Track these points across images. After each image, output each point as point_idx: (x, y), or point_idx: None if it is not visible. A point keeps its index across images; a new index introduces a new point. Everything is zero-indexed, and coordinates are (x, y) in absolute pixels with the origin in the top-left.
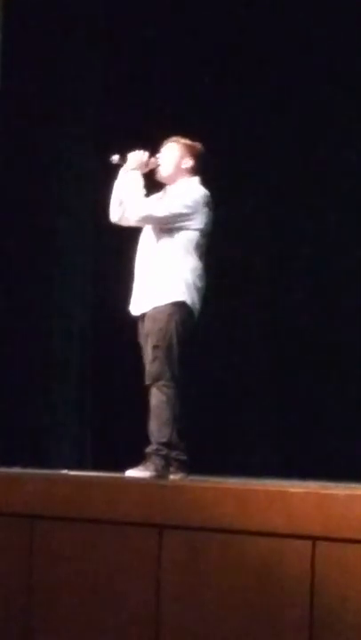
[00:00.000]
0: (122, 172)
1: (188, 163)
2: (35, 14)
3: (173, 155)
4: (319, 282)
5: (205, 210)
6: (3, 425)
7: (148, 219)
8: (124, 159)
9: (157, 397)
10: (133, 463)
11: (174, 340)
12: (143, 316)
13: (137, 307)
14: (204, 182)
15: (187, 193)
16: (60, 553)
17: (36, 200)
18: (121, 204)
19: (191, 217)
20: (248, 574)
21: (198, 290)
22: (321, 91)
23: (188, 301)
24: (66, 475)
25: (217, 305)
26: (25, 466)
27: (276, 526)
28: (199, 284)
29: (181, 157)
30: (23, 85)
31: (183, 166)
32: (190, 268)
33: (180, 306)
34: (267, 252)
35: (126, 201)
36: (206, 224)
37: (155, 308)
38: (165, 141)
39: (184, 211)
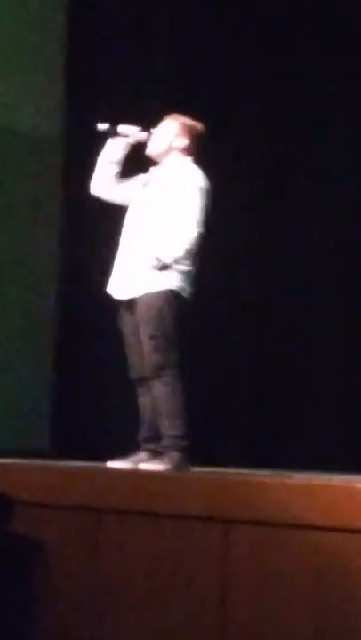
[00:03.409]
0: (110, 142)
1: (182, 142)
2: None
3: (168, 132)
4: None
5: (206, 195)
6: (70, 420)
7: (188, 242)
8: (112, 129)
9: (161, 390)
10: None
11: (172, 328)
12: (129, 301)
13: (123, 290)
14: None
15: (193, 190)
16: (125, 547)
17: None
18: (106, 177)
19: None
20: (315, 570)
21: (193, 275)
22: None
23: (183, 288)
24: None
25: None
26: (89, 459)
27: (342, 521)
28: (192, 268)
29: (176, 135)
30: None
31: (174, 144)
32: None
33: (175, 293)
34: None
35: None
36: (207, 206)
37: (147, 294)
38: (165, 118)
39: (201, 206)
